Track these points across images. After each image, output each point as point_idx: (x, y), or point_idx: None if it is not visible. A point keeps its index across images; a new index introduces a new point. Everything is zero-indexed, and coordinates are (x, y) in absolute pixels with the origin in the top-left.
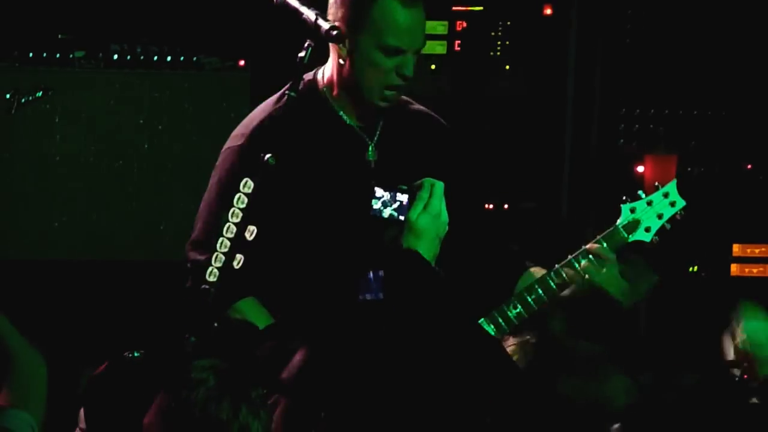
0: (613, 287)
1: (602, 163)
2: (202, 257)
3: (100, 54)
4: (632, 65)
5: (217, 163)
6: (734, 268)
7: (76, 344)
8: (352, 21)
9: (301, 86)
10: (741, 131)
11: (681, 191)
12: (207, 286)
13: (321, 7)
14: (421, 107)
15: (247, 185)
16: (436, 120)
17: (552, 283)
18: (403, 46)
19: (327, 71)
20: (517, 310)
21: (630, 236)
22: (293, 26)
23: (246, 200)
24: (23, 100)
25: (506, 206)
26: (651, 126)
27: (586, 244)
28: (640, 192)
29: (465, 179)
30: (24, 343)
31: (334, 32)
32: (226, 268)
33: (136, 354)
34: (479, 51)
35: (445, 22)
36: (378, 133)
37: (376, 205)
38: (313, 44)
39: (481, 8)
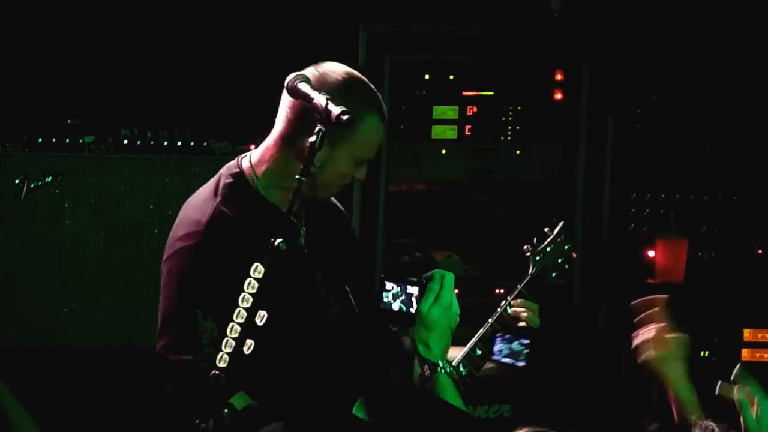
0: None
1: (613, 248)
2: (186, 357)
3: (110, 139)
4: (643, 150)
5: (173, 262)
6: (745, 353)
7: (84, 431)
8: (335, 134)
9: (231, 180)
10: (751, 216)
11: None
12: (217, 372)
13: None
14: None
15: (258, 270)
16: (333, 200)
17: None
18: (371, 157)
19: (262, 165)
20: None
21: (546, 281)
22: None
23: (257, 285)
24: (32, 186)
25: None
26: (662, 210)
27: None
28: (534, 239)
29: (359, 253)
30: (24, 414)
31: (345, 117)
32: (236, 353)
33: None
34: (490, 135)
35: (456, 107)
36: (304, 217)
37: (386, 298)
38: (324, 129)
39: (491, 93)
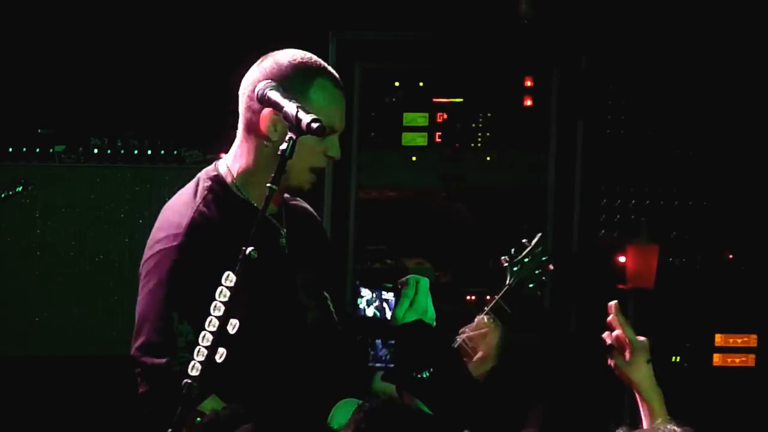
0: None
1: (584, 254)
2: (160, 360)
3: (81, 148)
4: (613, 156)
5: (152, 264)
6: (716, 358)
7: None
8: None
9: (210, 183)
10: (722, 221)
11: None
12: (189, 381)
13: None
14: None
15: (229, 279)
16: (310, 209)
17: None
18: (335, 126)
19: (236, 164)
20: None
21: (523, 292)
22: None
23: (228, 294)
24: (3, 195)
25: (488, 297)
26: (632, 216)
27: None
28: (512, 250)
29: (334, 261)
30: None
31: (316, 125)
32: (208, 361)
33: None
34: (460, 142)
35: (426, 114)
36: (284, 220)
37: (361, 304)
38: (294, 138)
39: (461, 100)
